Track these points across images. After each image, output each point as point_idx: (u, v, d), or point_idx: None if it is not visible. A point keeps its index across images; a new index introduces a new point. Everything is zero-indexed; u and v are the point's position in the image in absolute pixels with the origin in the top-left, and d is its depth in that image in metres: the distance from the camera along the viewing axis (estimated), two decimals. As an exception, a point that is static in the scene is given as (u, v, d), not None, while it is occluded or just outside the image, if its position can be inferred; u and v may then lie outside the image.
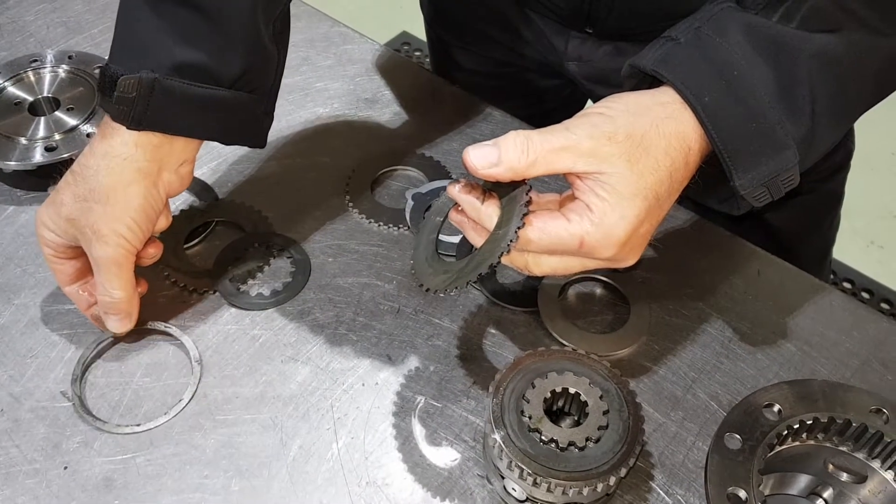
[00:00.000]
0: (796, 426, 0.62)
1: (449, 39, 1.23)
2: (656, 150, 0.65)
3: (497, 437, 0.66)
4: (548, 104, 1.25)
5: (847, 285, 2.18)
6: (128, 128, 0.74)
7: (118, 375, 0.81)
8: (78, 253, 0.79)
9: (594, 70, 1.07)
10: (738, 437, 0.61)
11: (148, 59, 0.73)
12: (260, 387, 0.81)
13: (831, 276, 2.18)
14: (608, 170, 0.64)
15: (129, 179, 0.75)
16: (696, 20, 0.69)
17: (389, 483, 0.75)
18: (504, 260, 0.65)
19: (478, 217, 0.68)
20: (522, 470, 0.64)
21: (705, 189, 0.71)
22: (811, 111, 0.66)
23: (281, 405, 0.79)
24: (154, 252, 0.81)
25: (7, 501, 0.73)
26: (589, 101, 1.27)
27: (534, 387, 0.69)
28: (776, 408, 0.63)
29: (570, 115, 1.39)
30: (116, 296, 0.77)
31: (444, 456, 0.76)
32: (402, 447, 0.77)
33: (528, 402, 0.68)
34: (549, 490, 0.64)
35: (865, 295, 2.17)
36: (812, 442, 0.65)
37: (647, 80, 0.70)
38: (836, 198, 1.16)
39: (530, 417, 0.67)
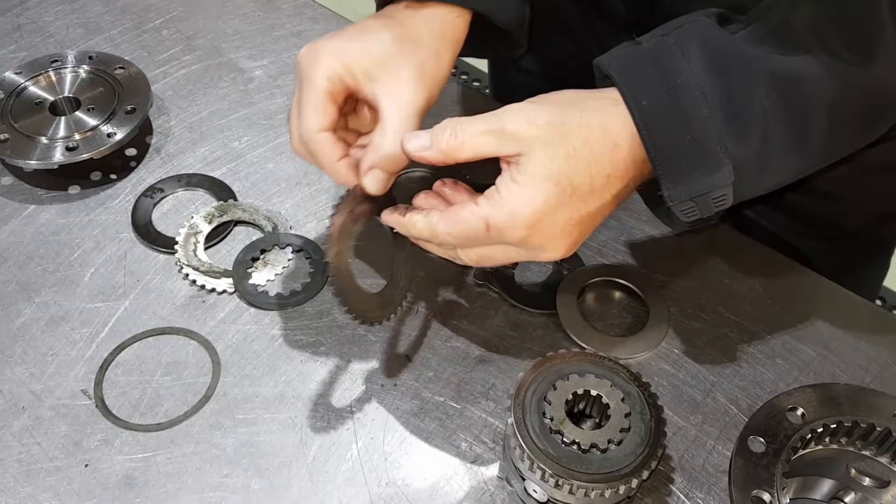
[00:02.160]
0: (820, 430, 0.62)
1: None
2: (574, 138, 0.64)
3: (519, 438, 0.66)
4: None
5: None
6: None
7: (138, 374, 0.82)
8: (346, 101, 0.75)
9: None
10: (761, 440, 0.60)
11: None
12: (279, 386, 0.81)
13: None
14: (525, 151, 0.64)
15: (446, 35, 0.75)
16: (666, 27, 0.69)
17: (409, 484, 0.75)
18: (432, 251, 0.72)
19: (405, 230, 0.72)
20: (545, 471, 0.64)
21: (652, 200, 0.70)
22: (761, 134, 0.65)
23: (301, 405, 0.80)
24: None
25: (28, 499, 0.73)
26: None
27: (555, 388, 0.69)
28: (800, 411, 0.63)
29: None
30: (396, 148, 0.70)
31: (463, 457, 0.76)
32: (421, 448, 0.77)
33: (549, 404, 0.68)
34: (570, 492, 0.64)
35: (878, 302, 2.17)
36: (835, 446, 0.65)
37: (609, 80, 0.70)
38: (883, 246, 1.10)
39: (552, 419, 0.67)
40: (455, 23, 0.76)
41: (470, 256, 0.70)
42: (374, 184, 0.72)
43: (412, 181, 0.99)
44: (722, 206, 0.67)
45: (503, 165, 0.66)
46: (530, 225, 0.65)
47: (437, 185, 0.72)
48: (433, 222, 0.68)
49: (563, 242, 0.67)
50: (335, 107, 0.72)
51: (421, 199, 0.73)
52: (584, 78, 1.22)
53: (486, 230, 0.65)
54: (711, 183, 0.65)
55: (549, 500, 0.69)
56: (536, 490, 0.69)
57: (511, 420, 0.67)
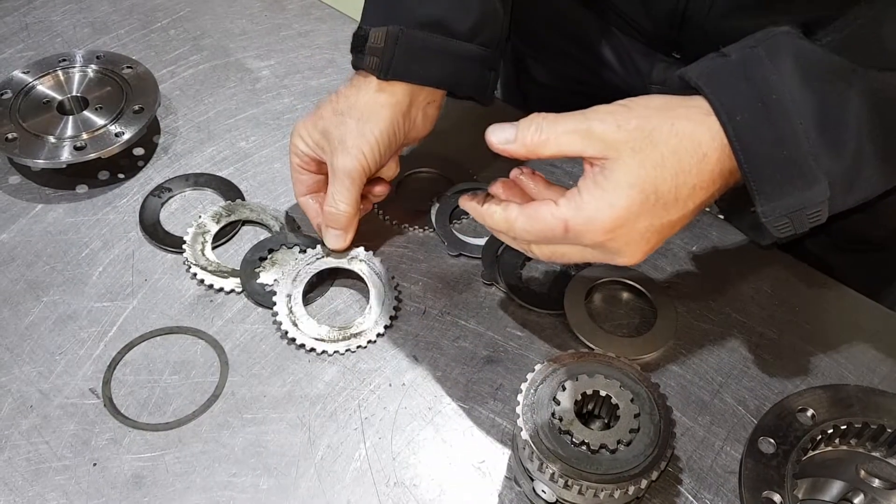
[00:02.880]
0: (830, 431, 0.62)
1: (525, 51, 1.21)
2: (664, 146, 0.64)
3: (528, 438, 0.66)
4: None
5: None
6: (378, 77, 0.82)
7: (146, 373, 0.82)
8: (320, 167, 0.87)
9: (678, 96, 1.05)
10: (771, 441, 0.60)
11: (394, 16, 0.82)
12: (287, 386, 0.81)
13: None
14: (611, 155, 0.64)
15: (382, 102, 0.83)
16: (753, 39, 0.68)
17: (417, 484, 0.75)
18: (506, 241, 0.73)
19: (481, 219, 0.73)
20: (554, 472, 0.64)
21: (736, 213, 0.70)
22: (855, 149, 0.64)
23: (308, 404, 0.80)
24: (381, 191, 0.90)
25: (37, 498, 0.73)
26: None
27: (564, 389, 0.69)
28: (810, 412, 0.62)
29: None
30: (342, 208, 0.84)
31: (471, 457, 0.76)
32: (429, 448, 0.77)
33: (558, 405, 0.68)
34: (580, 492, 0.64)
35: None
36: (845, 447, 0.64)
37: (693, 92, 0.69)
38: None
39: (561, 419, 0.67)
40: (405, 97, 0.84)
41: (544, 252, 0.70)
42: (333, 240, 0.88)
43: (419, 181, 1.00)
44: (817, 221, 0.66)
45: (586, 167, 0.66)
46: (610, 230, 0.64)
47: (515, 172, 0.73)
48: (511, 217, 0.69)
49: (641, 248, 0.67)
50: (309, 175, 0.88)
51: (497, 188, 0.74)
52: (600, 91, 1.21)
53: (564, 231, 0.65)
54: (807, 199, 0.64)
55: (557, 500, 0.69)
56: (545, 490, 0.68)
57: (520, 420, 0.67)
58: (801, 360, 0.82)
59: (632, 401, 0.68)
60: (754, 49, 0.67)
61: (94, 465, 0.76)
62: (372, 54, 0.81)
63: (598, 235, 0.65)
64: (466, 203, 0.75)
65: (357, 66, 0.84)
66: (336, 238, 0.87)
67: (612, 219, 0.64)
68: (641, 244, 0.67)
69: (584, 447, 0.66)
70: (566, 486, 0.64)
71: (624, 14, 1.02)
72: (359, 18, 1.19)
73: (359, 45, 0.83)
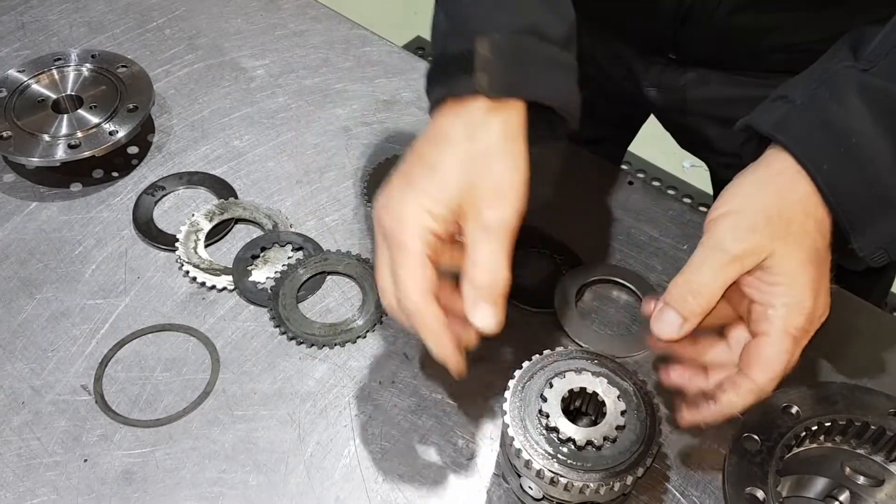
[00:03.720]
0: (814, 428, 0.62)
1: None
2: (794, 217, 0.65)
3: (514, 435, 0.66)
4: (601, 129, 1.20)
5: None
6: (488, 95, 0.66)
7: (138, 370, 0.82)
8: (449, 238, 0.68)
9: (675, 98, 1.04)
10: (756, 437, 0.61)
11: (483, 26, 0.68)
12: (278, 383, 0.81)
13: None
14: (767, 256, 0.65)
15: (514, 129, 0.67)
16: (812, 80, 0.69)
17: (406, 480, 0.75)
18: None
19: (729, 415, 0.66)
20: (541, 469, 0.65)
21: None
22: None
23: (299, 401, 0.80)
24: None
25: (28, 493, 0.74)
26: (646, 128, 1.26)
27: (552, 386, 0.69)
28: (794, 409, 0.63)
29: (621, 142, 1.33)
30: (502, 274, 0.65)
31: (460, 454, 0.77)
32: (418, 445, 0.77)
33: (545, 401, 0.68)
34: (566, 489, 0.64)
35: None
36: (830, 444, 0.65)
37: (757, 137, 0.70)
38: None
39: (548, 416, 0.67)
40: (520, 118, 0.69)
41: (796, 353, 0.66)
42: (485, 320, 0.66)
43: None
44: None
45: (752, 286, 0.66)
46: (814, 307, 0.64)
47: (677, 372, 0.69)
48: (751, 388, 0.64)
49: (828, 297, 0.67)
50: (433, 268, 0.66)
51: (685, 378, 0.69)
52: (597, 96, 1.21)
53: (794, 344, 0.64)
54: None
55: (544, 496, 0.69)
56: (532, 487, 0.69)
57: (507, 417, 0.68)
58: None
59: (618, 398, 0.69)
60: (817, 91, 0.68)
61: (85, 461, 0.76)
62: (482, 69, 0.67)
63: (815, 321, 0.65)
64: (693, 418, 0.68)
65: (453, 93, 0.68)
66: (492, 314, 0.66)
67: (812, 297, 0.64)
68: (828, 294, 0.67)
69: (570, 443, 0.66)
70: (552, 482, 0.65)
71: (621, 17, 1.02)
72: (353, 17, 1.21)
73: (457, 65, 0.68)
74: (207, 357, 0.83)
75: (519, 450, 0.66)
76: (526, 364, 0.71)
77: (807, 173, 0.65)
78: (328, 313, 0.87)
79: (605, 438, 0.66)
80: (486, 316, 0.66)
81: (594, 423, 0.70)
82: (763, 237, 0.64)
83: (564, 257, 0.91)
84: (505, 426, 0.67)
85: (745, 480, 0.58)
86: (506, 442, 0.70)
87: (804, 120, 0.67)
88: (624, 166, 2.45)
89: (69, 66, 1.03)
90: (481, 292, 0.65)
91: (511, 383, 0.70)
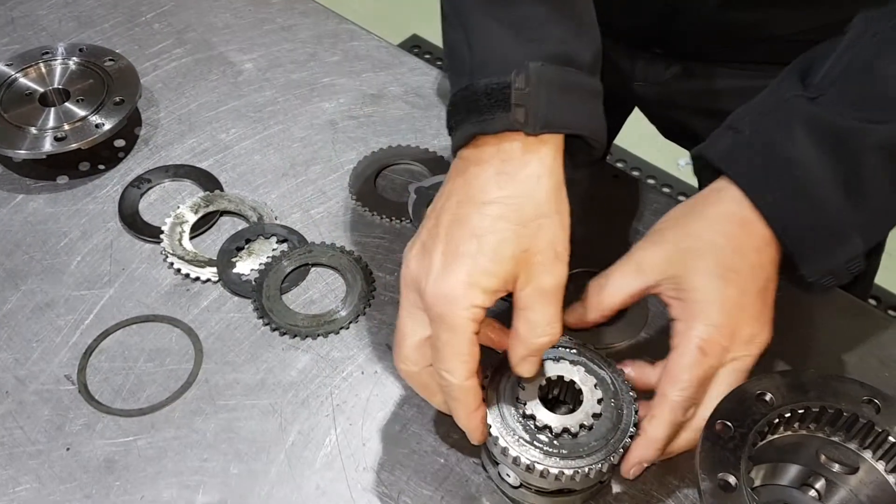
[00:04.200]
0: (788, 415, 0.63)
1: None
2: (726, 242, 0.67)
3: (492, 422, 0.67)
4: None
5: (854, 291, 2.18)
6: (528, 133, 0.64)
7: (121, 360, 0.83)
8: (492, 305, 0.65)
9: (661, 92, 1.05)
10: (729, 424, 0.61)
11: (515, 57, 0.65)
12: (261, 373, 0.82)
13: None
14: (679, 275, 0.67)
15: (557, 179, 0.65)
16: (760, 110, 0.70)
17: (387, 469, 0.76)
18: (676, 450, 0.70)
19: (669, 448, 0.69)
20: (517, 456, 0.65)
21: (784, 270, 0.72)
22: (879, 199, 0.67)
23: (281, 391, 0.80)
24: None
25: (10, 481, 0.74)
26: (640, 126, 1.26)
27: (530, 375, 0.69)
28: (768, 397, 0.63)
29: (610, 135, 1.33)
30: (556, 329, 0.65)
31: (440, 443, 0.77)
32: (399, 434, 0.78)
33: (523, 390, 0.69)
34: (542, 476, 0.65)
35: (872, 302, 2.17)
36: (804, 432, 0.65)
37: (710, 165, 0.71)
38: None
39: (525, 404, 0.68)
40: (557, 153, 0.66)
41: (707, 410, 0.66)
42: (531, 371, 0.67)
43: (397, 172, 1.00)
44: (858, 269, 0.69)
45: (669, 305, 0.69)
46: (727, 320, 0.66)
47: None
48: (663, 407, 0.66)
49: (764, 318, 0.69)
50: (478, 346, 0.65)
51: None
52: None
53: (703, 355, 0.65)
54: (845, 254, 0.68)
55: (521, 484, 0.69)
56: (510, 474, 0.69)
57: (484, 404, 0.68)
58: (772, 350, 0.82)
59: (595, 386, 0.69)
60: (764, 122, 0.69)
61: (68, 449, 0.76)
62: (520, 103, 0.63)
63: (727, 337, 0.66)
64: (640, 457, 0.68)
65: (486, 130, 0.65)
66: (536, 365, 0.67)
67: (722, 312, 0.66)
68: (761, 316, 0.68)
69: (546, 431, 0.66)
70: (528, 469, 0.65)
71: (606, 12, 1.02)
72: (341, 13, 1.21)
73: (488, 100, 0.65)
74: (191, 347, 0.83)
75: (496, 437, 0.67)
76: (505, 353, 0.72)
77: (752, 204, 0.67)
78: (312, 304, 0.88)
79: (581, 426, 0.67)
80: (531, 368, 0.67)
81: (572, 412, 0.70)
82: (674, 256, 0.67)
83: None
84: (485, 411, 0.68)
85: (718, 466, 0.59)
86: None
87: (750, 152, 0.69)
88: (619, 164, 2.46)
89: (56, 59, 1.03)
90: (532, 348, 0.65)
91: (489, 370, 0.70)
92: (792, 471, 0.69)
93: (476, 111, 0.65)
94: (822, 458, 0.66)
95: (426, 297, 0.64)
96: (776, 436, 0.65)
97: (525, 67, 0.63)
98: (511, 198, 0.64)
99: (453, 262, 0.63)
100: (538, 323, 0.64)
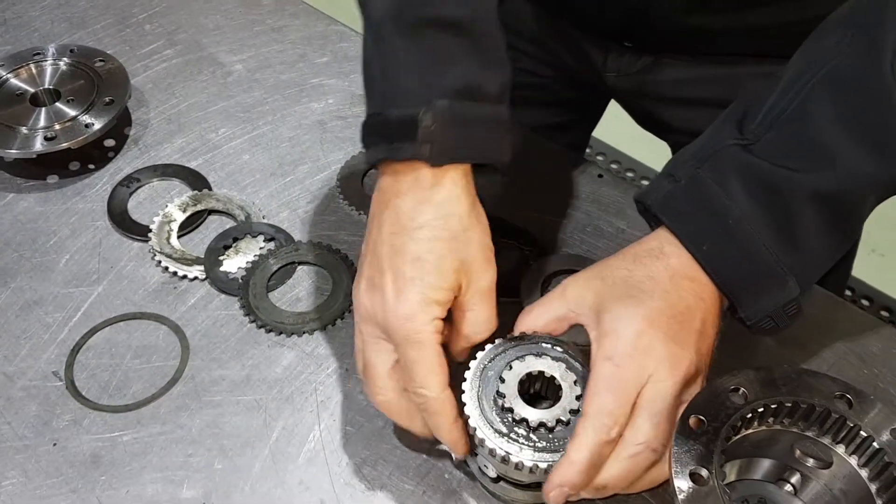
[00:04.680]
0: (761, 410, 0.64)
1: None
2: (654, 287, 0.68)
3: (470, 414, 0.68)
4: (563, 115, 1.24)
5: (847, 293, 2.18)
6: (432, 165, 0.69)
7: (109, 357, 0.84)
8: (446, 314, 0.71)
9: (633, 82, 1.07)
10: (702, 418, 0.62)
11: (424, 90, 0.70)
12: (246, 370, 0.83)
13: (831, 284, 2.18)
14: (599, 311, 0.69)
15: (471, 194, 0.72)
16: (696, 158, 0.71)
17: (369, 464, 0.76)
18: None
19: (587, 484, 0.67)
20: (494, 448, 0.66)
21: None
22: (811, 246, 0.69)
23: (266, 388, 0.81)
24: None
25: (-3, 475, 0.75)
26: (609, 112, 1.27)
27: (511, 368, 0.70)
28: (742, 391, 0.64)
29: (585, 128, 1.37)
30: (493, 326, 0.73)
31: (423, 439, 0.78)
32: (382, 430, 0.79)
33: (503, 383, 0.69)
34: (517, 468, 0.66)
35: (865, 302, 2.18)
36: (778, 426, 0.66)
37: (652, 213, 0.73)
38: None
39: (504, 397, 0.69)
40: (466, 174, 0.72)
41: (648, 435, 0.65)
42: (464, 357, 0.72)
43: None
44: (797, 313, 0.70)
45: (588, 332, 0.70)
46: (635, 334, 0.66)
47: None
48: (582, 425, 0.65)
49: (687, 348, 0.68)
50: (445, 359, 0.69)
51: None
52: (555, 83, 1.22)
53: (615, 368, 0.65)
54: (781, 298, 0.68)
55: (500, 477, 0.70)
56: (488, 466, 0.70)
57: (465, 396, 0.69)
58: (751, 348, 0.84)
59: (575, 382, 0.70)
60: (700, 170, 0.70)
61: (54, 444, 0.77)
62: (425, 140, 0.68)
63: (634, 357, 0.66)
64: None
65: (395, 157, 0.70)
66: (468, 352, 0.73)
67: (634, 325, 0.66)
68: (682, 340, 0.67)
69: (523, 424, 0.67)
70: (504, 460, 0.66)
71: (576, 9, 1.04)
72: (331, 14, 1.22)
73: (398, 130, 0.70)
74: (177, 344, 0.84)
75: (475, 428, 0.67)
76: (488, 346, 0.72)
77: (689, 252, 0.69)
78: (298, 302, 0.89)
79: (558, 421, 0.67)
80: (466, 355, 0.73)
81: (552, 407, 0.71)
82: (599, 287, 0.69)
83: (532, 248, 0.93)
84: (462, 404, 0.69)
85: (691, 460, 0.60)
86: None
87: (685, 200, 0.70)
88: (599, 157, 2.47)
89: (47, 60, 1.04)
90: (473, 343, 0.73)
91: (472, 364, 0.71)
92: (767, 465, 0.70)
93: (386, 139, 0.70)
94: (797, 452, 0.67)
95: (389, 324, 0.68)
96: (750, 431, 0.66)
97: (432, 106, 0.68)
98: (437, 219, 0.69)
99: (404, 287, 0.68)
100: (478, 321, 0.72)
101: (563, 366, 0.71)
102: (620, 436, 0.65)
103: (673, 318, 0.67)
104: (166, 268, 0.90)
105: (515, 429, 0.67)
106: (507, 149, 0.74)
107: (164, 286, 0.89)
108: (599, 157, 2.47)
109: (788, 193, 0.67)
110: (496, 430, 0.67)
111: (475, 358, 0.72)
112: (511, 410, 0.68)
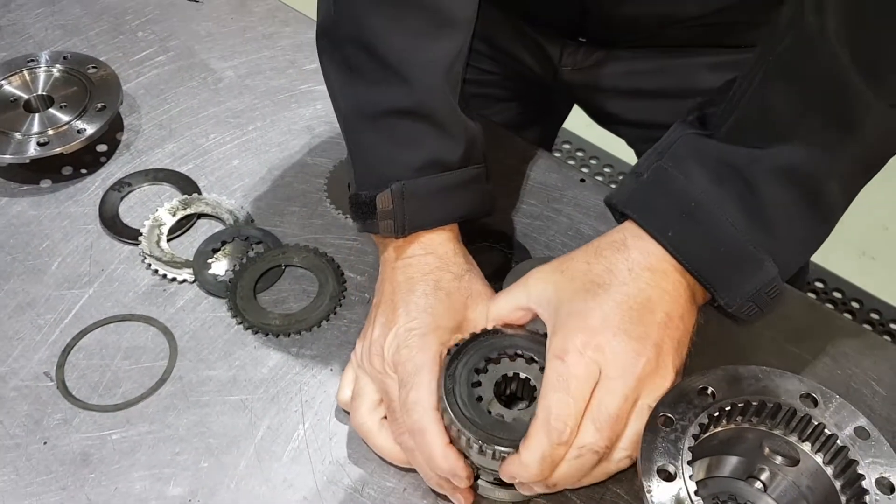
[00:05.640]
0: (728, 408, 0.66)
1: None
2: (612, 280, 0.70)
3: (447, 406, 0.69)
4: (527, 114, 1.26)
5: (837, 295, 2.20)
6: (396, 237, 0.79)
7: (99, 358, 0.85)
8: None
9: (588, 76, 1.10)
10: (671, 416, 0.64)
11: (389, 172, 0.79)
12: (233, 370, 0.85)
13: (821, 286, 2.20)
14: (557, 304, 0.71)
15: (459, 244, 0.83)
16: (657, 152, 0.73)
17: (352, 462, 0.78)
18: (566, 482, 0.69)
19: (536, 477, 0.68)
20: (469, 438, 0.68)
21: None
22: (785, 222, 0.68)
23: (252, 388, 0.83)
24: None
25: (-11, 473, 0.77)
26: (576, 109, 1.30)
27: (487, 371, 0.72)
28: (710, 391, 0.66)
29: (553, 122, 1.40)
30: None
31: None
32: (364, 429, 0.80)
33: (480, 385, 0.71)
34: (493, 458, 0.67)
35: (855, 305, 2.19)
36: (747, 425, 0.68)
37: (619, 212, 0.75)
38: None
39: (480, 399, 0.70)
40: (450, 228, 0.82)
41: (604, 427, 0.66)
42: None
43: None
44: (778, 295, 0.70)
45: (546, 325, 0.72)
46: (585, 329, 0.67)
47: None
48: (537, 417, 0.66)
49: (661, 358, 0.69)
50: None
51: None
52: (512, 80, 1.24)
53: (565, 366, 0.66)
54: (759, 281, 0.69)
55: (478, 474, 0.72)
56: (466, 457, 0.72)
57: (441, 391, 0.70)
58: (724, 349, 0.85)
59: (549, 382, 0.72)
60: (660, 163, 0.72)
61: (45, 443, 0.79)
62: (385, 218, 0.78)
63: (587, 345, 0.67)
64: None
65: (372, 231, 0.81)
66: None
67: (584, 319, 0.68)
68: (637, 335, 0.68)
69: (499, 416, 0.69)
70: (480, 451, 0.68)
71: (528, 7, 1.07)
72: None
73: (363, 212, 0.81)
74: (166, 346, 0.86)
75: (451, 422, 0.69)
76: (462, 340, 0.74)
77: (655, 240, 0.70)
78: (284, 304, 0.91)
79: (532, 418, 0.69)
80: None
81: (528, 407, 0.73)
82: (558, 280, 0.72)
83: (514, 251, 0.95)
84: (438, 397, 0.70)
85: (658, 456, 0.62)
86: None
87: (648, 191, 0.72)
88: (579, 153, 2.48)
89: (41, 67, 1.07)
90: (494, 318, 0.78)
91: (447, 357, 0.72)
92: (736, 463, 0.72)
93: (361, 217, 0.81)
94: (766, 450, 0.69)
95: (400, 363, 0.74)
96: (719, 429, 0.67)
97: (388, 189, 0.77)
98: (437, 271, 0.78)
99: (423, 338, 0.74)
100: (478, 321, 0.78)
101: (537, 367, 0.73)
102: (575, 434, 0.65)
103: (630, 311, 0.68)
104: (156, 270, 0.92)
105: (492, 426, 0.69)
106: (479, 202, 0.83)
107: (154, 289, 0.91)
108: (580, 153, 2.48)
109: (748, 170, 0.67)
110: (472, 422, 0.68)
111: (450, 352, 0.73)
112: (480, 399, 0.70)
